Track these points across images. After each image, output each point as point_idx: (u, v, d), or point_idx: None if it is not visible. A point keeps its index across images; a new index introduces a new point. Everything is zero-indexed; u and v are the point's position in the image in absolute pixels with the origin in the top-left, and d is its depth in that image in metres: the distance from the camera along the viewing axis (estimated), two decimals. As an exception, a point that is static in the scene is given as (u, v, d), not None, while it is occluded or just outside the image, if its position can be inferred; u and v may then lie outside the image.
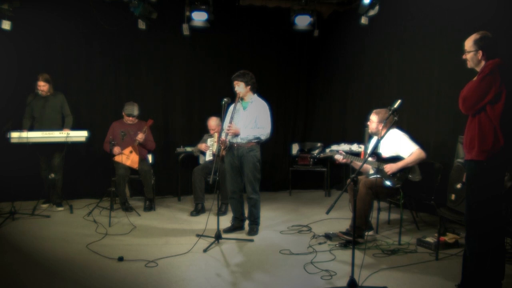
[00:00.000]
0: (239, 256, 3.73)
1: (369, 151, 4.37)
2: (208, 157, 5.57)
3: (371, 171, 4.18)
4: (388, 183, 3.98)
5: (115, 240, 4.13)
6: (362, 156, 4.65)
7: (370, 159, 4.06)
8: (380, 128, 4.13)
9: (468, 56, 2.75)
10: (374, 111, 4.24)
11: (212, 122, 5.65)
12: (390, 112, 3.07)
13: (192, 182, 5.39)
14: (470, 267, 2.75)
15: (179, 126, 6.54)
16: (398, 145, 4.06)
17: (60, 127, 5.30)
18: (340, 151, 4.19)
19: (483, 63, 2.69)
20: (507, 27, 3.73)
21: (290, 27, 6.10)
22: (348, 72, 6.68)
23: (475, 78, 2.69)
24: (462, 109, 2.71)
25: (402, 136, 4.10)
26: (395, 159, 4.02)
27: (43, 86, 5.21)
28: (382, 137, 3.39)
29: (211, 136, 5.64)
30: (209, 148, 5.57)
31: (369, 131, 4.26)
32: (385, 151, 4.09)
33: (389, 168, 3.97)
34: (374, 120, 4.19)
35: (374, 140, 4.31)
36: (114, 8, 5.73)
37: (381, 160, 4.05)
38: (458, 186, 3.62)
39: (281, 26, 6.53)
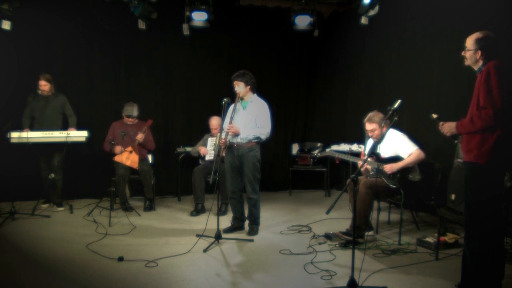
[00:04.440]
0: (239, 256, 3.73)
1: (367, 151, 4.37)
2: (209, 156, 5.56)
3: (371, 172, 4.18)
4: (388, 183, 3.98)
5: (115, 240, 4.13)
6: (362, 156, 4.64)
7: (369, 159, 4.06)
8: (384, 130, 4.11)
9: (467, 54, 2.75)
10: (367, 120, 4.15)
11: (214, 121, 5.64)
12: (390, 112, 3.07)
13: (192, 182, 5.39)
14: (470, 267, 2.75)
15: (179, 126, 6.54)
16: (397, 146, 4.05)
17: (60, 128, 5.30)
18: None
19: (480, 62, 2.70)
20: (507, 27, 3.73)
21: (290, 27, 6.11)
22: (348, 72, 6.68)
23: (476, 83, 2.67)
24: (494, 120, 2.52)
25: (401, 136, 4.09)
26: (395, 159, 4.02)
27: (44, 86, 5.21)
28: (382, 138, 3.38)
29: (212, 135, 5.63)
30: (209, 151, 5.55)
31: (374, 139, 4.16)
32: (384, 151, 4.08)
33: (389, 168, 3.97)
34: (375, 127, 4.11)
35: (370, 140, 4.30)
36: (114, 8, 5.73)
37: (380, 160, 4.05)
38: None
39: (281, 26, 6.53)
